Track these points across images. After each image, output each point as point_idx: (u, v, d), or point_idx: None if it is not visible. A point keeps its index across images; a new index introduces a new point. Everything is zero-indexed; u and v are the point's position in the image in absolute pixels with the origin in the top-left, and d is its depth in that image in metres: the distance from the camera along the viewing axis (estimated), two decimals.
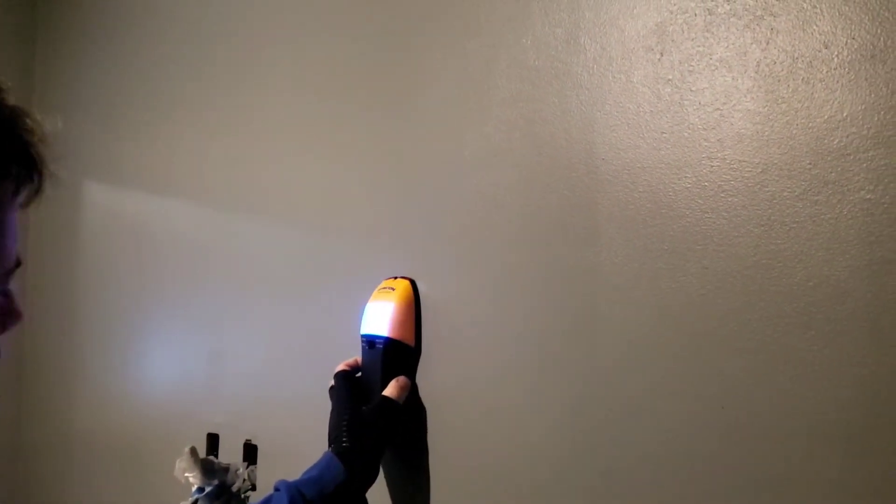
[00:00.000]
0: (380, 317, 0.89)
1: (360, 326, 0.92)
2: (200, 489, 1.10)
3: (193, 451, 1.10)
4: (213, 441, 1.21)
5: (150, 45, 1.44)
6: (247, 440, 1.16)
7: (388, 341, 0.88)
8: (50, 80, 1.73)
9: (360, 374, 0.92)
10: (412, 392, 0.90)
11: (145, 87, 1.44)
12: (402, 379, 0.88)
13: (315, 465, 0.82)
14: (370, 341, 0.90)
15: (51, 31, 1.74)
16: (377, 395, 0.87)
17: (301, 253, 1.10)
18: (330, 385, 0.91)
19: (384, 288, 0.92)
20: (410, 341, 0.90)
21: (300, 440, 1.07)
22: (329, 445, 0.84)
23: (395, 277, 0.92)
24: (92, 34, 1.61)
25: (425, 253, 0.92)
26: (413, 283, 0.91)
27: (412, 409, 0.90)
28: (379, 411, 0.85)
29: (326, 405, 0.89)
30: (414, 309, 0.91)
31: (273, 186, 1.15)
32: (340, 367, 0.92)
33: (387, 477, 0.94)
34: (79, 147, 1.60)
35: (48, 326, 1.66)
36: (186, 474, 1.10)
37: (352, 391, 0.88)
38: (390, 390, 0.86)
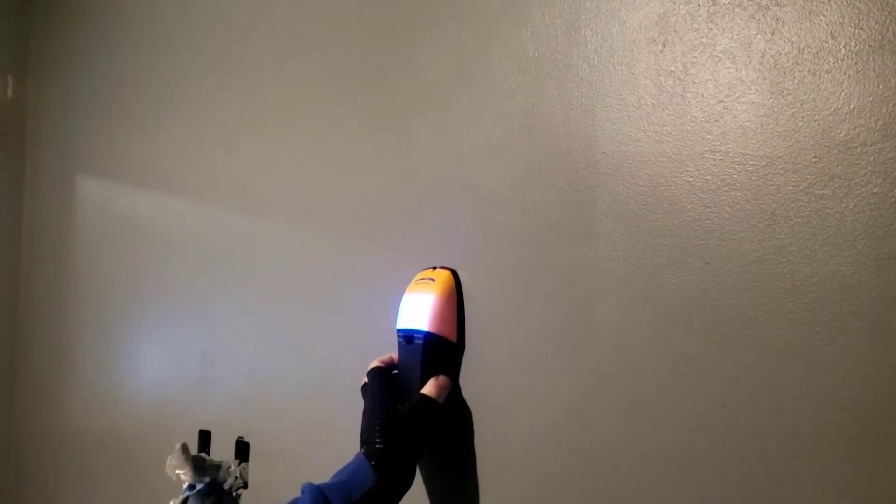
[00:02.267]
0: (419, 310, 0.82)
1: (395, 321, 0.85)
2: (191, 486, 1.09)
3: (184, 448, 1.09)
4: (204, 438, 1.20)
5: (150, 38, 1.42)
6: (239, 437, 1.14)
7: (428, 336, 0.81)
8: (45, 72, 1.71)
9: (395, 371, 0.85)
10: (454, 391, 0.83)
11: (143, 81, 1.42)
12: (441, 377, 0.81)
13: (344, 468, 0.75)
14: (408, 336, 0.83)
15: (46, 21, 1.72)
16: (415, 395, 0.80)
17: (293, 250, 1.08)
18: (363, 382, 0.84)
19: (423, 279, 0.85)
20: (452, 336, 0.84)
21: (293, 437, 1.06)
22: (361, 447, 0.77)
23: (435, 268, 0.86)
24: (90, 26, 1.59)
25: (422, 249, 0.90)
26: (455, 273, 0.85)
27: (453, 410, 0.84)
28: (416, 411, 0.78)
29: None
30: (456, 301, 0.84)
31: (266, 182, 1.13)
32: (375, 363, 0.85)
33: (425, 484, 0.88)
34: (74, 141, 1.59)
35: (41, 323, 1.65)
36: (177, 471, 1.08)
37: (387, 389, 0.81)
38: (429, 389, 0.80)
